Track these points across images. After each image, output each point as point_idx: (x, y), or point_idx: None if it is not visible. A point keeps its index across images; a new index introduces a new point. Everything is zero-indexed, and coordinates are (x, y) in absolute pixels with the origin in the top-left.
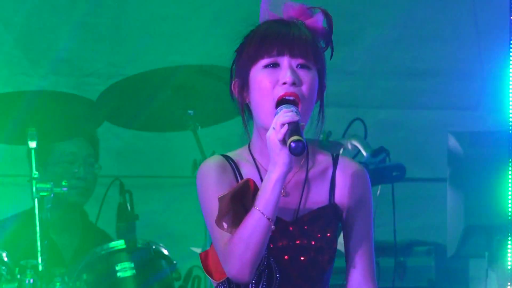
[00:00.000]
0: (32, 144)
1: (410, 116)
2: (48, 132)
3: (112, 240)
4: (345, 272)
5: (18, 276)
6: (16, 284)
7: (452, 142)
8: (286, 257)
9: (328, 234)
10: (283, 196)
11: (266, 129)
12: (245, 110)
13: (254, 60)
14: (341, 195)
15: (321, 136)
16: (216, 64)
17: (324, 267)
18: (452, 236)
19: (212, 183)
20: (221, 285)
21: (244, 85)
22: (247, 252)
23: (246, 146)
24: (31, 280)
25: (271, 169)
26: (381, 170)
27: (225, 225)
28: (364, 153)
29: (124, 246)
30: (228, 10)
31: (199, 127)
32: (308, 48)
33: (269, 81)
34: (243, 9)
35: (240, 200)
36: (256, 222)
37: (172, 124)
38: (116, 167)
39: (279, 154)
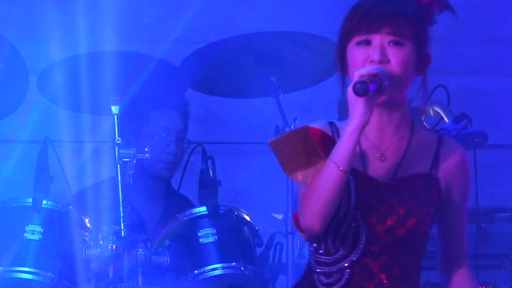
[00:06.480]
0: (115, 110)
1: (493, 83)
2: (134, 100)
3: (194, 206)
4: (438, 249)
5: (101, 241)
6: (99, 250)
7: None
8: (374, 216)
9: (422, 200)
10: (380, 160)
11: None
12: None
13: (348, 37)
14: (444, 170)
15: None
16: (299, 31)
17: (414, 232)
18: None
19: None
20: (312, 247)
21: (343, 60)
22: (318, 201)
23: None
24: (114, 246)
25: (348, 122)
26: (463, 137)
27: (299, 176)
28: (446, 120)
29: (206, 212)
30: None
31: (281, 93)
32: (401, 24)
33: (360, 58)
34: None
35: (295, 147)
36: (329, 172)
37: (254, 90)
38: (198, 133)
39: (354, 105)
